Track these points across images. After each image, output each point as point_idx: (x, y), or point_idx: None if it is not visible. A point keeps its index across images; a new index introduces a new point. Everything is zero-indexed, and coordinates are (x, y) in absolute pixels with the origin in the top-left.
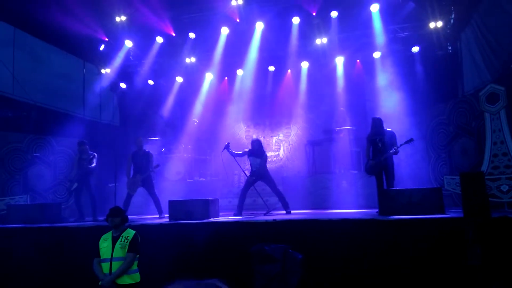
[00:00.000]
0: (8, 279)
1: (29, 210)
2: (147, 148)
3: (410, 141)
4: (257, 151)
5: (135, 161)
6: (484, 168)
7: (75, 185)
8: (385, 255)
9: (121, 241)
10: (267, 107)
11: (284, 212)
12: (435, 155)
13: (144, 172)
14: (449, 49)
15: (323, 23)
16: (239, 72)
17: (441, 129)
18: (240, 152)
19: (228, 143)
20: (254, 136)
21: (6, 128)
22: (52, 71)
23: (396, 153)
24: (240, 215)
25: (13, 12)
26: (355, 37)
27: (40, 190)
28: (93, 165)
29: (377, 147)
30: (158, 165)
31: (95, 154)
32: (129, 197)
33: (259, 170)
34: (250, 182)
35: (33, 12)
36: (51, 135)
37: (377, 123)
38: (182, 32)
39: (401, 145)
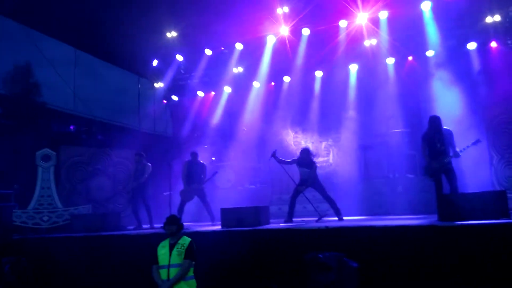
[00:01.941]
0: (73, 285)
1: (91, 219)
2: (201, 159)
3: (477, 142)
4: (305, 160)
5: (191, 171)
6: None
7: (130, 194)
8: (446, 263)
9: (178, 248)
10: (314, 112)
11: (337, 218)
12: (498, 156)
13: (200, 183)
14: (509, 44)
15: (372, 24)
16: (286, 78)
17: (503, 128)
18: (289, 160)
19: (275, 151)
20: (303, 143)
21: (69, 142)
22: (110, 87)
23: (457, 156)
24: (291, 222)
25: (74, 34)
26: (406, 36)
27: (100, 200)
28: (145, 176)
29: (435, 147)
30: (216, 172)
31: (149, 164)
32: (182, 204)
33: (308, 180)
34: (299, 191)
35: (91, 33)
36: (110, 147)
37: (436, 122)
38: (229, 43)
39: (468, 147)
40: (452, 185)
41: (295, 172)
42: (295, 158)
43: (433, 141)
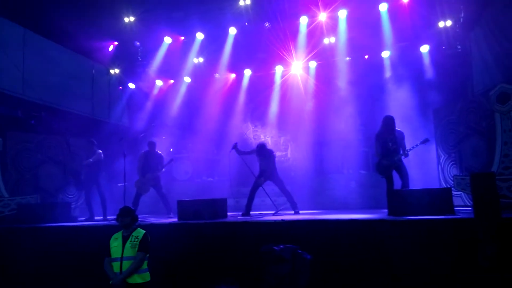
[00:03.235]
0: (19, 278)
1: (40, 209)
2: (158, 150)
3: (425, 141)
4: (264, 152)
5: (148, 162)
6: (494, 168)
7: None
8: (394, 256)
9: (131, 241)
10: (274, 107)
11: (293, 212)
12: (445, 155)
13: (155, 171)
14: (459, 48)
15: (331, 23)
16: (247, 72)
17: (451, 129)
18: (249, 151)
19: (236, 143)
20: (262, 137)
21: (16, 128)
22: (62, 71)
23: (406, 155)
24: (248, 215)
25: (23, 14)
26: (363, 36)
27: (50, 189)
28: (90, 160)
29: (387, 146)
30: (172, 160)
31: (100, 151)
32: (138, 196)
33: (267, 170)
34: (258, 183)
35: (42, 14)
36: (61, 135)
37: (390, 122)
38: (190, 32)
39: (416, 145)
40: (403, 181)
41: (255, 165)
42: (254, 149)
43: (386, 141)
